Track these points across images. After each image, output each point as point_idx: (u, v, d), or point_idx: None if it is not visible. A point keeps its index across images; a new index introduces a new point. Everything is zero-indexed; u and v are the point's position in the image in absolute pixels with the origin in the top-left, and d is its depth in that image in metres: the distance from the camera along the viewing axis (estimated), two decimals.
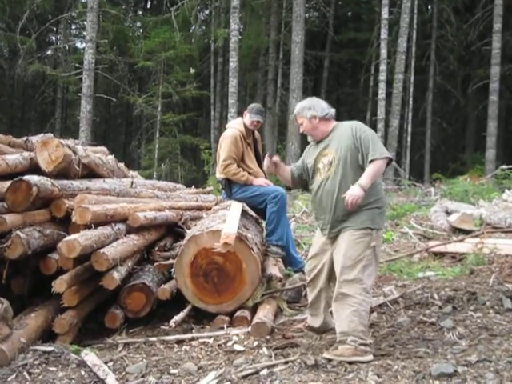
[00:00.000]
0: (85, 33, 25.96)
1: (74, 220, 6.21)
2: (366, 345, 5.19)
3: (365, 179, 5.20)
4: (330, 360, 5.08)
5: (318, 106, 5.67)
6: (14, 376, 4.78)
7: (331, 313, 5.64)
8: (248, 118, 7.72)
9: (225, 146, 7.68)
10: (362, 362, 5.00)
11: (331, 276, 5.60)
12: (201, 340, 5.83)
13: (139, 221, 6.90)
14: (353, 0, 35.78)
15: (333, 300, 5.45)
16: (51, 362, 5.11)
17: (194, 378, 4.91)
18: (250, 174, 7.68)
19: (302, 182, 5.97)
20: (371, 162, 5.27)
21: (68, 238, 5.90)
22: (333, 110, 5.74)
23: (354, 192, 5.15)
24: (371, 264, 5.31)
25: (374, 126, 25.42)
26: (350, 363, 4.95)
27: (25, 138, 7.47)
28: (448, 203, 12.70)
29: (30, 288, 6.39)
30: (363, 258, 5.26)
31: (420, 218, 12.59)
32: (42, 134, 8.04)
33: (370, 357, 5.11)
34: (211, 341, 5.78)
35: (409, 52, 26.29)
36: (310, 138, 5.79)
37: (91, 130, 23.45)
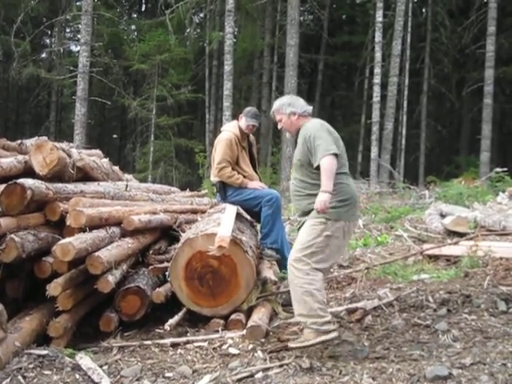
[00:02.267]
0: (79, 36, 25.98)
1: (68, 223, 6.19)
2: (327, 322, 5.22)
3: (324, 183, 5.24)
4: (294, 348, 5.25)
5: (297, 102, 5.77)
6: (8, 380, 4.75)
7: None
8: (244, 122, 7.73)
9: (219, 149, 7.68)
10: (328, 341, 5.11)
11: None
12: (196, 343, 5.82)
13: (134, 224, 6.90)
14: (347, 3, 35.95)
15: (289, 280, 5.51)
16: (46, 365, 5.09)
17: (189, 381, 4.91)
18: (244, 177, 7.69)
19: None
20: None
21: (62, 241, 5.88)
22: (310, 108, 5.84)
23: (320, 198, 5.22)
24: (322, 252, 5.32)
25: (368, 129, 25.57)
26: (345, 366, 4.96)
27: (19, 141, 7.46)
28: (442, 206, 12.72)
29: (24, 291, 6.37)
30: (313, 245, 5.29)
31: (415, 220, 12.59)
32: (37, 137, 8.03)
33: (334, 334, 5.19)
34: (206, 344, 5.77)
35: (403, 55, 26.35)
36: (288, 135, 5.87)
37: (86, 133, 23.42)
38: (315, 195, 5.29)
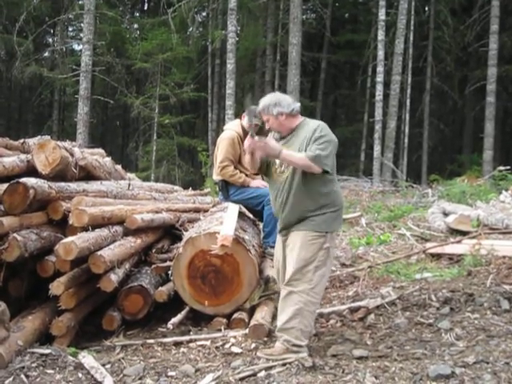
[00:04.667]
0: (82, 35, 25.96)
1: (71, 222, 6.20)
2: (299, 346, 5.20)
3: (287, 153, 5.20)
4: (260, 357, 5.19)
5: (284, 101, 5.50)
6: (11, 379, 4.76)
7: None
8: (247, 121, 7.71)
9: (222, 147, 7.68)
10: (293, 360, 5.03)
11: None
12: (198, 342, 5.82)
13: (136, 223, 6.90)
14: (350, 1, 35.85)
15: (280, 298, 5.44)
16: (48, 364, 5.09)
17: (192, 380, 4.91)
18: (246, 175, 7.68)
19: (263, 171, 5.80)
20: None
21: (65, 240, 5.89)
22: (298, 105, 5.57)
23: (269, 142, 5.25)
24: (323, 265, 5.28)
25: (371, 128, 25.55)
26: (347, 364, 4.96)
27: (22, 141, 7.46)
28: (445, 204, 12.70)
29: (27, 290, 6.39)
30: (315, 259, 5.23)
31: (417, 219, 12.58)
32: (39, 136, 8.03)
33: (302, 354, 5.14)
34: (209, 343, 5.78)
35: (406, 53, 26.30)
36: (276, 135, 5.61)
37: (88, 132, 23.44)
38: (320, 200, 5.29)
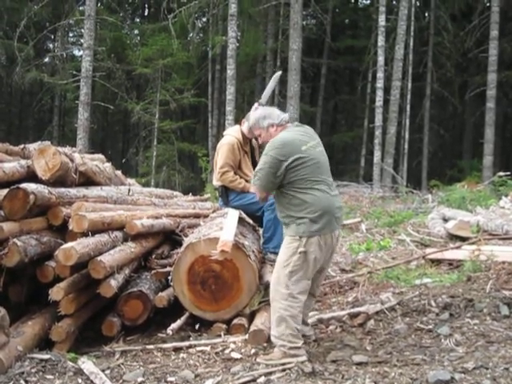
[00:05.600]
0: (82, 40, 26.00)
1: (70, 228, 6.20)
2: (296, 348, 5.24)
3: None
4: (260, 363, 5.22)
5: (273, 113, 5.62)
6: None
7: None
8: (246, 126, 7.70)
9: (222, 153, 7.68)
10: (293, 363, 5.05)
11: None
12: (198, 348, 5.82)
13: (136, 228, 6.90)
14: (350, 7, 35.99)
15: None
16: (48, 370, 5.09)
17: None
18: (246, 181, 7.67)
19: None
20: None
21: (65, 245, 5.89)
22: (286, 115, 5.67)
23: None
24: (300, 270, 5.28)
25: (371, 133, 25.57)
26: (347, 370, 4.96)
27: (22, 146, 7.47)
28: (445, 210, 12.72)
29: (27, 296, 6.39)
30: (290, 264, 5.27)
31: (417, 225, 12.59)
32: (40, 142, 8.05)
33: (302, 358, 5.17)
34: (208, 348, 5.77)
35: (406, 59, 26.32)
36: None
37: (89, 138, 23.44)
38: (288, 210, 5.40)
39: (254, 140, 8.06)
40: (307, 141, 5.44)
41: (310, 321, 6.11)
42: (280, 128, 5.55)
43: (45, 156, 6.48)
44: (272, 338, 5.41)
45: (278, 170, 5.29)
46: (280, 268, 5.34)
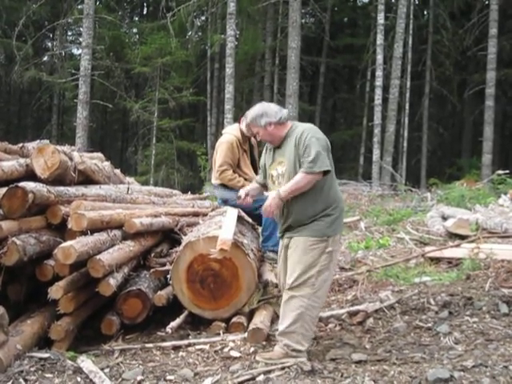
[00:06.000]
0: (81, 39, 25.98)
1: (69, 226, 6.19)
2: (298, 351, 5.20)
3: (284, 190, 5.22)
4: (259, 361, 5.20)
5: (271, 110, 5.47)
6: (10, 383, 4.76)
7: None
8: (245, 125, 7.70)
9: (221, 151, 7.69)
10: (292, 365, 5.02)
11: None
12: (197, 346, 5.82)
13: (135, 227, 6.90)
14: (349, 6, 35.98)
15: (282, 302, 5.42)
16: (47, 368, 5.09)
17: None
18: (245, 179, 7.69)
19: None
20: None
21: (64, 244, 5.89)
22: (285, 111, 5.55)
23: (270, 202, 5.26)
24: (326, 269, 5.26)
25: (370, 132, 25.57)
26: (346, 368, 4.96)
27: (21, 145, 7.45)
28: (444, 208, 12.71)
29: (26, 294, 6.38)
30: (317, 264, 5.21)
31: (416, 223, 12.57)
32: (38, 141, 8.04)
33: (301, 359, 5.14)
34: (207, 347, 5.78)
35: (405, 57, 26.33)
36: (269, 145, 5.64)
37: (88, 136, 23.46)
38: (316, 204, 5.28)
39: (252, 138, 8.06)
40: None
41: None
42: (278, 126, 5.43)
43: (44, 155, 6.47)
44: (279, 333, 5.33)
45: (326, 153, 5.26)
46: (306, 269, 5.21)
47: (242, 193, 5.91)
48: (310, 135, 5.25)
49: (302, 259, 5.25)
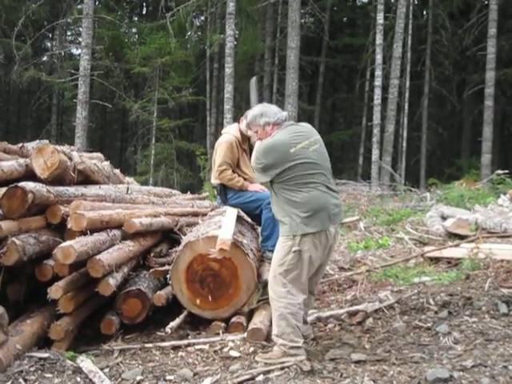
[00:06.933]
0: (80, 39, 25.94)
1: (69, 226, 6.19)
2: (296, 347, 5.22)
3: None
4: (259, 361, 5.23)
5: (270, 111, 5.58)
6: (9, 383, 4.76)
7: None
8: (244, 125, 7.68)
9: (220, 151, 7.67)
10: (292, 361, 5.05)
11: None
12: (197, 346, 5.82)
13: (135, 227, 6.90)
14: (348, 5, 36.00)
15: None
16: (47, 368, 5.10)
17: None
18: (245, 179, 7.67)
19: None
20: None
21: (63, 244, 5.89)
22: (283, 114, 5.63)
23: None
24: (295, 268, 5.27)
25: (369, 132, 25.59)
26: (345, 368, 4.96)
27: (20, 145, 7.45)
28: (444, 208, 12.72)
29: (25, 294, 6.38)
30: (285, 263, 5.27)
31: (416, 223, 12.59)
32: (38, 141, 8.04)
33: (300, 357, 5.16)
34: (207, 347, 5.78)
35: (404, 57, 26.33)
36: None
37: (87, 136, 23.46)
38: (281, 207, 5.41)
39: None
40: (299, 141, 5.39)
41: (308, 319, 6.10)
42: (276, 127, 5.52)
43: (43, 155, 6.47)
44: (273, 337, 5.39)
45: (267, 171, 5.38)
46: (276, 267, 5.35)
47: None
48: (264, 146, 5.44)
49: (274, 257, 5.44)
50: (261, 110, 5.62)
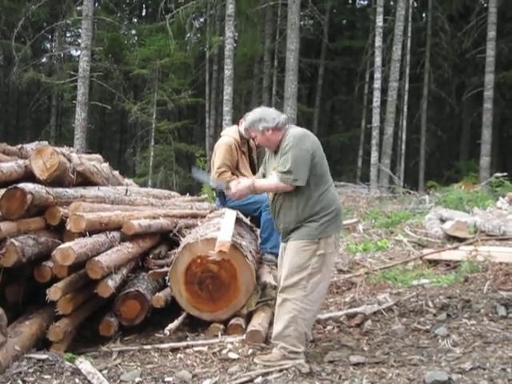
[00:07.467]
0: (80, 40, 25.99)
1: (68, 228, 6.19)
2: (296, 353, 5.19)
3: (259, 185, 5.47)
4: (257, 363, 5.21)
5: (269, 116, 5.46)
6: None
7: None
8: (244, 127, 7.68)
9: (219, 153, 7.68)
10: (290, 367, 5.03)
11: None
12: (195, 348, 5.81)
13: (134, 228, 6.90)
14: (347, 8, 36.02)
15: (276, 305, 5.44)
16: (45, 369, 5.09)
17: None
18: None
19: None
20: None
21: (62, 245, 5.88)
22: (283, 117, 5.53)
23: (241, 187, 5.45)
24: (318, 272, 5.23)
25: (368, 134, 25.59)
26: (344, 371, 4.96)
27: (19, 146, 7.45)
28: (442, 211, 12.72)
29: (24, 296, 6.37)
30: (308, 266, 5.20)
31: (414, 225, 12.59)
32: (37, 142, 8.04)
33: (299, 361, 5.13)
34: (206, 349, 5.77)
35: (403, 60, 26.34)
36: (268, 151, 5.68)
37: (86, 138, 23.46)
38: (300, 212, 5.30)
39: (251, 140, 8.05)
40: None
41: None
42: (276, 131, 5.43)
43: (42, 156, 6.47)
44: (274, 337, 5.35)
45: (309, 161, 5.25)
46: (297, 271, 5.22)
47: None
48: (291, 145, 5.27)
49: (293, 261, 5.27)
50: (259, 115, 5.51)
